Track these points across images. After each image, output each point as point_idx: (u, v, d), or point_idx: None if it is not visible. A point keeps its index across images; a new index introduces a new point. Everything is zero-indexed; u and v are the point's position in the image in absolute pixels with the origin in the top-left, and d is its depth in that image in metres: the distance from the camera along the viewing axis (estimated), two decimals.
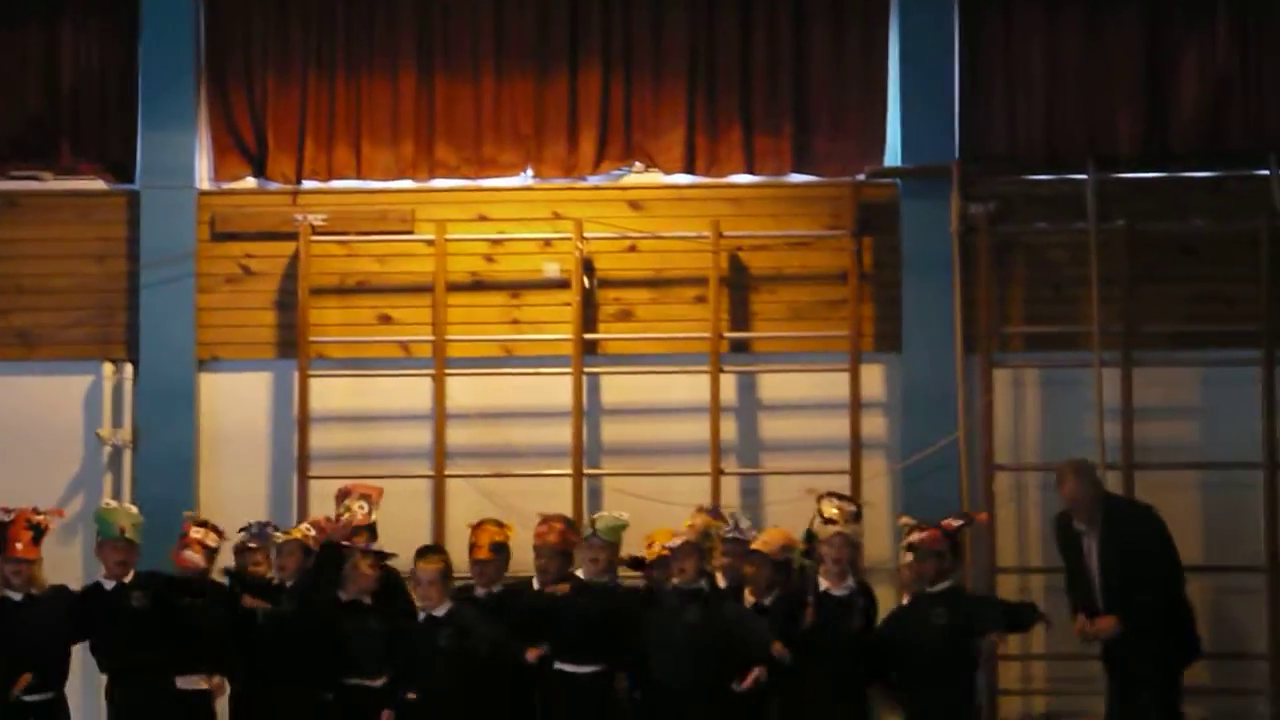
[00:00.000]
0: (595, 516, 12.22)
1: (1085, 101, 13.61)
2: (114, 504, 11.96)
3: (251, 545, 12.26)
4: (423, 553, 11.94)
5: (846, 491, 12.80)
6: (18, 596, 11.54)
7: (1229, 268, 13.37)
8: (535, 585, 12.11)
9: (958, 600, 11.53)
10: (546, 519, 12.26)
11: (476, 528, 12.37)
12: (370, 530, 12.40)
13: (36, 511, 11.82)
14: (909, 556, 11.78)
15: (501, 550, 12.33)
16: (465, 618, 11.69)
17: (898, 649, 11.48)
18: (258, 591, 11.91)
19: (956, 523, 11.80)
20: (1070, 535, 11.83)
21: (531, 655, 11.54)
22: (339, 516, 12.28)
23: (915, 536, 11.60)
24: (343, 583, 11.79)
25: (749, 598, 11.73)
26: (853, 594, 11.48)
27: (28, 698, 11.43)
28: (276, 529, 12.27)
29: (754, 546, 11.84)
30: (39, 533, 11.71)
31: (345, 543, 11.85)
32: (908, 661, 11.44)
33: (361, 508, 12.26)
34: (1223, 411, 13.36)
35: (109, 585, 11.60)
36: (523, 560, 12.42)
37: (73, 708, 11.73)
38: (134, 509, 11.90)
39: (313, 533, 12.07)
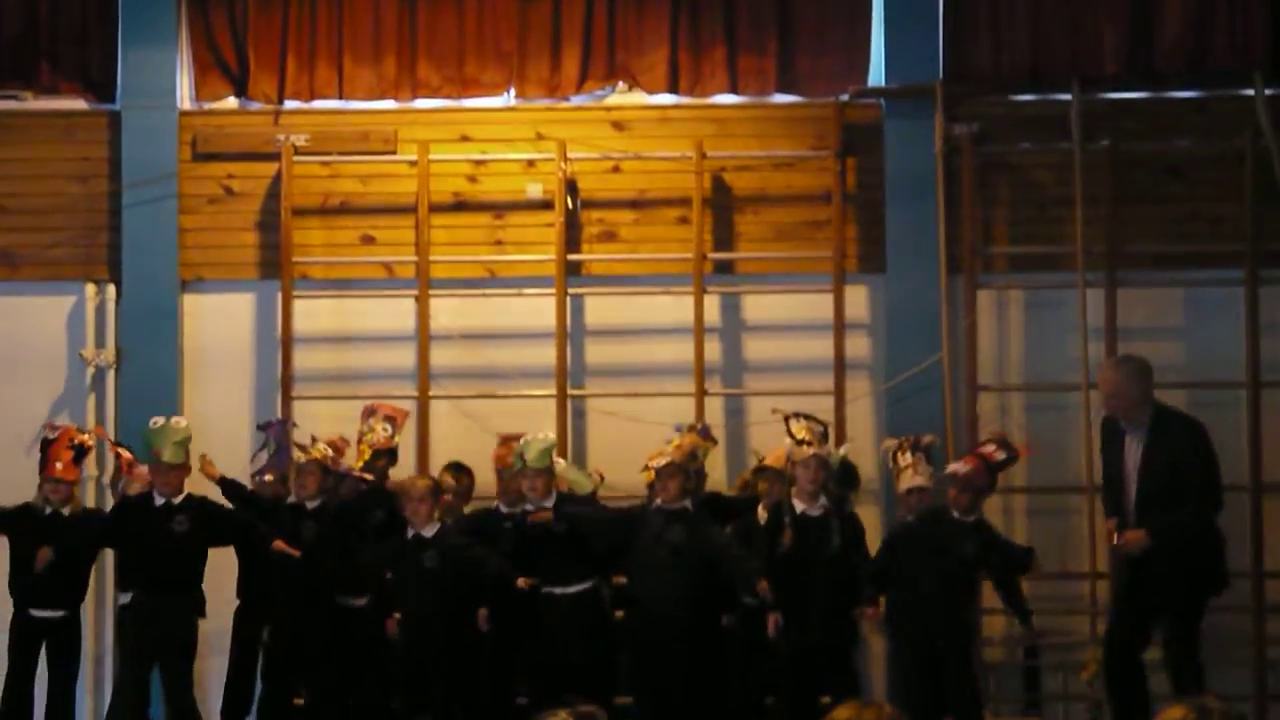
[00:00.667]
0: (521, 443, 12.00)
1: (1069, 21, 13.57)
2: (159, 423, 11.78)
3: (269, 477, 12.30)
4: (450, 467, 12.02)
5: (829, 412, 12.84)
6: (48, 511, 11.59)
7: (1213, 188, 13.37)
8: (501, 508, 12.11)
9: (988, 536, 11.47)
10: (505, 440, 12.27)
11: (503, 442, 12.38)
12: (391, 454, 12.44)
13: (80, 430, 11.91)
14: (910, 480, 11.79)
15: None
16: (453, 540, 11.69)
17: (905, 572, 11.41)
18: (272, 513, 11.92)
19: (1000, 455, 11.66)
20: (1114, 434, 11.09)
21: (523, 583, 11.55)
22: (361, 435, 12.31)
23: (960, 467, 11.47)
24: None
25: (762, 513, 11.71)
26: (827, 513, 11.49)
27: (40, 614, 11.53)
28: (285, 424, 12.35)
29: (765, 463, 11.90)
30: (80, 453, 11.79)
31: (330, 468, 11.90)
32: (916, 586, 11.37)
33: (385, 429, 12.30)
34: (1207, 332, 13.38)
35: (159, 501, 11.61)
36: None
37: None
38: (181, 424, 11.81)
39: (330, 453, 12.04)
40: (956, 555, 11.26)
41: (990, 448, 11.65)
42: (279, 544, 11.53)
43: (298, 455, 12.01)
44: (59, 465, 11.70)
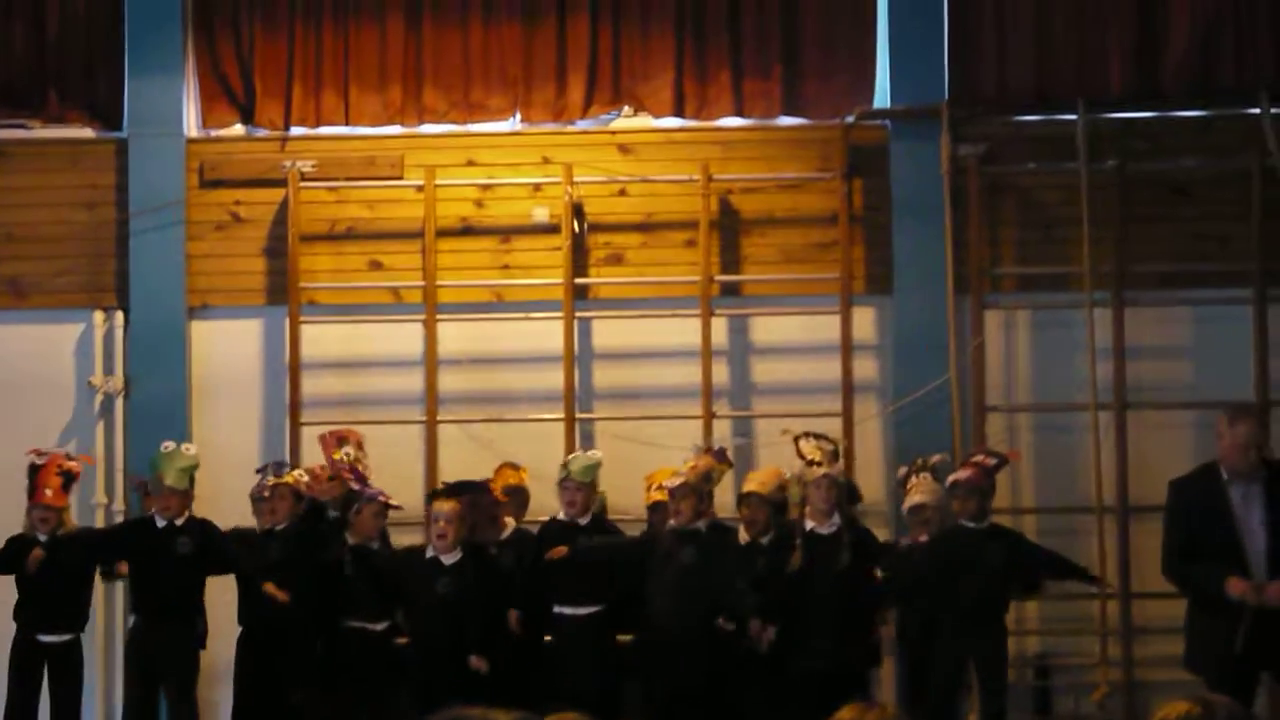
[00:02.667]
0: (569, 458, 12.23)
1: (1075, 41, 13.59)
2: (169, 447, 11.82)
3: (265, 495, 12.29)
4: (445, 492, 11.88)
5: (837, 433, 12.83)
6: (42, 537, 11.59)
7: (1220, 207, 13.37)
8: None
9: (1008, 538, 11.46)
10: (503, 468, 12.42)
11: (496, 472, 12.42)
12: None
13: (68, 457, 11.89)
14: (911, 498, 11.79)
15: (517, 493, 12.39)
16: (469, 578, 11.57)
17: (938, 587, 11.36)
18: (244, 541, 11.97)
19: (991, 461, 11.66)
20: (1209, 492, 10.07)
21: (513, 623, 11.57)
22: (334, 463, 12.25)
23: (960, 474, 11.48)
24: (347, 527, 11.80)
25: (744, 537, 11.73)
26: (839, 530, 11.47)
27: (45, 639, 11.50)
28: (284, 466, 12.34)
29: (748, 488, 11.86)
30: (69, 479, 11.77)
31: (356, 488, 11.87)
32: (945, 602, 11.31)
33: (349, 454, 12.21)
34: (1214, 351, 13.37)
35: (160, 523, 11.64)
36: (543, 504, 12.50)
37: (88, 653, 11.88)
38: (190, 451, 11.85)
39: (306, 479, 12.06)
40: (982, 564, 11.22)
41: (980, 457, 11.67)
42: (269, 587, 11.53)
43: (270, 480, 12.07)
44: (48, 492, 11.66)
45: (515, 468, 12.66)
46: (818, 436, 11.82)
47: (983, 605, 11.23)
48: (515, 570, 11.85)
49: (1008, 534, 11.52)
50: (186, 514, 11.69)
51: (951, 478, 11.56)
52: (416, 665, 11.50)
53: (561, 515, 12.05)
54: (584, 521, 11.96)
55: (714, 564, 11.51)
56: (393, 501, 12.09)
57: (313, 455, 12.68)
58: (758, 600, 11.31)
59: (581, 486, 11.97)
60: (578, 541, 11.79)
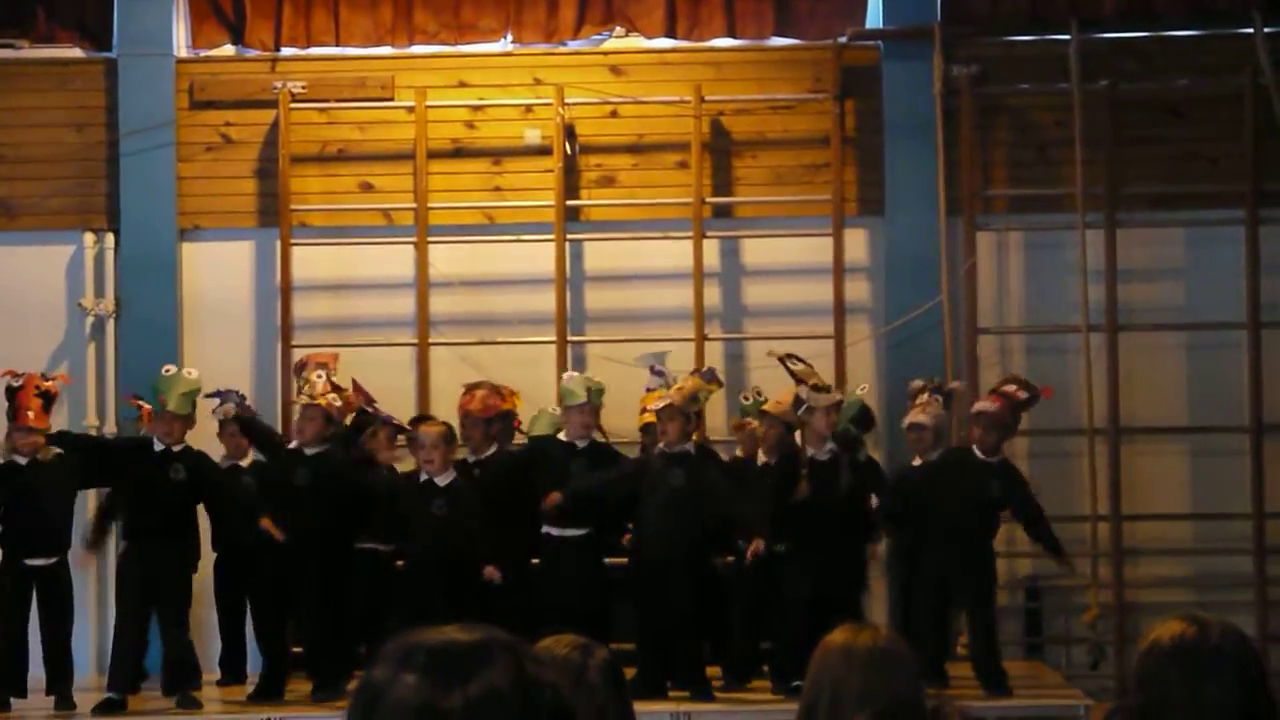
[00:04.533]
0: (594, 383, 11.93)
1: None
2: (171, 370, 11.65)
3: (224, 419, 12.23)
4: (425, 419, 11.85)
5: (829, 356, 12.85)
6: (23, 461, 11.51)
7: (1212, 127, 13.35)
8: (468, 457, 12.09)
9: (1012, 479, 11.52)
10: (468, 387, 12.21)
11: (468, 391, 12.31)
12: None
13: (45, 377, 11.78)
14: (912, 415, 11.78)
15: (505, 418, 12.32)
16: (461, 492, 11.59)
17: (929, 512, 11.47)
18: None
19: (1022, 394, 11.62)
20: None
21: (551, 500, 11.51)
22: (299, 389, 12.11)
23: (986, 405, 11.48)
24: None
25: (761, 458, 11.73)
26: (836, 454, 11.46)
27: (31, 562, 11.46)
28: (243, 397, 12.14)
29: (764, 408, 11.87)
30: (48, 400, 11.65)
31: (368, 409, 11.83)
32: (938, 524, 11.44)
33: (320, 376, 12.11)
34: (1206, 272, 13.37)
35: (159, 447, 11.53)
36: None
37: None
38: (192, 375, 11.63)
39: (339, 402, 11.83)
40: (982, 495, 11.30)
41: (1012, 387, 11.63)
42: (266, 522, 11.46)
43: (301, 398, 11.87)
44: (30, 414, 11.46)
45: (495, 388, 12.43)
46: (797, 358, 11.76)
47: (974, 531, 11.30)
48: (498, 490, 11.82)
49: (1014, 475, 11.56)
50: (184, 442, 11.61)
51: (977, 406, 11.55)
52: (408, 587, 11.51)
53: (563, 435, 11.95)
54: (582, 445, 11.87)
55: (703, 485, 11.48)
56: (403, 424, 12.04)
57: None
58: (761, 514, 11.31)
59: (595, 410, 11.91)
60: (573, 464, 11.73)
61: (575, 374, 12.17)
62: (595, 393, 11.83)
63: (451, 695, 2.88)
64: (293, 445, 11.82)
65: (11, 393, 11.53)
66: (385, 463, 11.90)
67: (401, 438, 11.95)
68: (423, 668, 2.92)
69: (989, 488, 11.36)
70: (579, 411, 11.77)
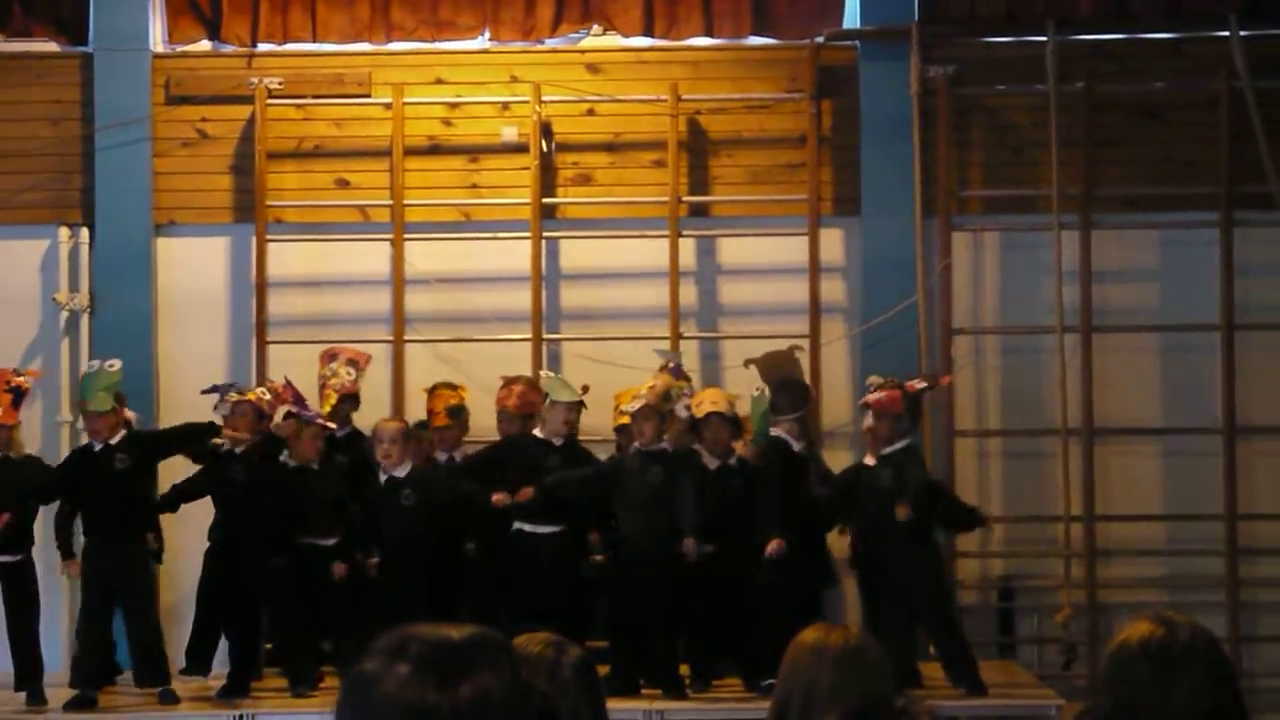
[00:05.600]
0: (576, 384, 12.08)
1: None
2: (94, 366, 11.64)
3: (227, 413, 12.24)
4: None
5: (806, 355, 12.85)
6: None
7: (1188, 130, 13.38)
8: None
9: (908, 466, 11.53)
10: (506, 381, 12.24)
11: (431, 393, 12.36)
12: (354, 398, 12.40)
13: (16, 372, 11.75)
14: (869, 417, 11.82)
15: (458, 413, 12.33)
16: (426, 476, 11.70)
17: (852, 509, 11.64)
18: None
19: (920, 384, 11.76)
20: None
21: (497, 499, 11.53)
22: (324, 379, 12.21)
23: (872, 397, 11.59)
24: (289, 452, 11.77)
25: (706, 461, 11.71)
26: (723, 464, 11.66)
27: None
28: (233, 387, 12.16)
29: (708, 409, 11.81)
30: (19, 395, 11.61)
31: (295, 411, 11.78)
32: (868, 525, 11.58)
33: (349, 373, 12.17)
34: (1181, 274, 13.39)
35: (96, 447, 11.49)
36: (483, 424, 12.47)
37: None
38: (113, 368, 11.56)
39: (268, 397, 11.88)
40: (880, 490, 11.38)
41: (913, 381, 11.71)
42: (227, 431, 11.49)
43: (232, 395, 11.88)
44: None
45: (453, 387, 12.50)
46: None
47: (898, 529, 11.28)
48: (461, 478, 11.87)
49: (909, 461, 11.55)
50: (121, 432, 11.57)
51: (867, 398, 11.61)
52: (387, 580, 11.53)
53: (539, 433, 11.96)
54: (559, 442, 11.88)
55: (681, 483, 11.51)
56: (330, 425, 12.04)
57: (278, 374, 12.59)
58: (697, 519, 11.35)
59: (580, 409, 11.95)
60: (548, 462, 11.75)
61: (552, 373, 12.20)
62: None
63: (443, 693, 2.88)
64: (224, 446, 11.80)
65: None
66: (306, 459, 11.83)
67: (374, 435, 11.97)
68: (416, 661, 2.92)
69: (883, 479, 11.40)
70: (566, 409, 11.80)
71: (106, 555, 11.38)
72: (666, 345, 13.04)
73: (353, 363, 12.32)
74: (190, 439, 11.70)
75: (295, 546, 11.64)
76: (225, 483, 11.66)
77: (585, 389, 12.00)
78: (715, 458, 11.68)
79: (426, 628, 2.98)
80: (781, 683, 4.70)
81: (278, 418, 11.52)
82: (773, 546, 11.21)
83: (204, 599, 11.97)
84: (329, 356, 12.43)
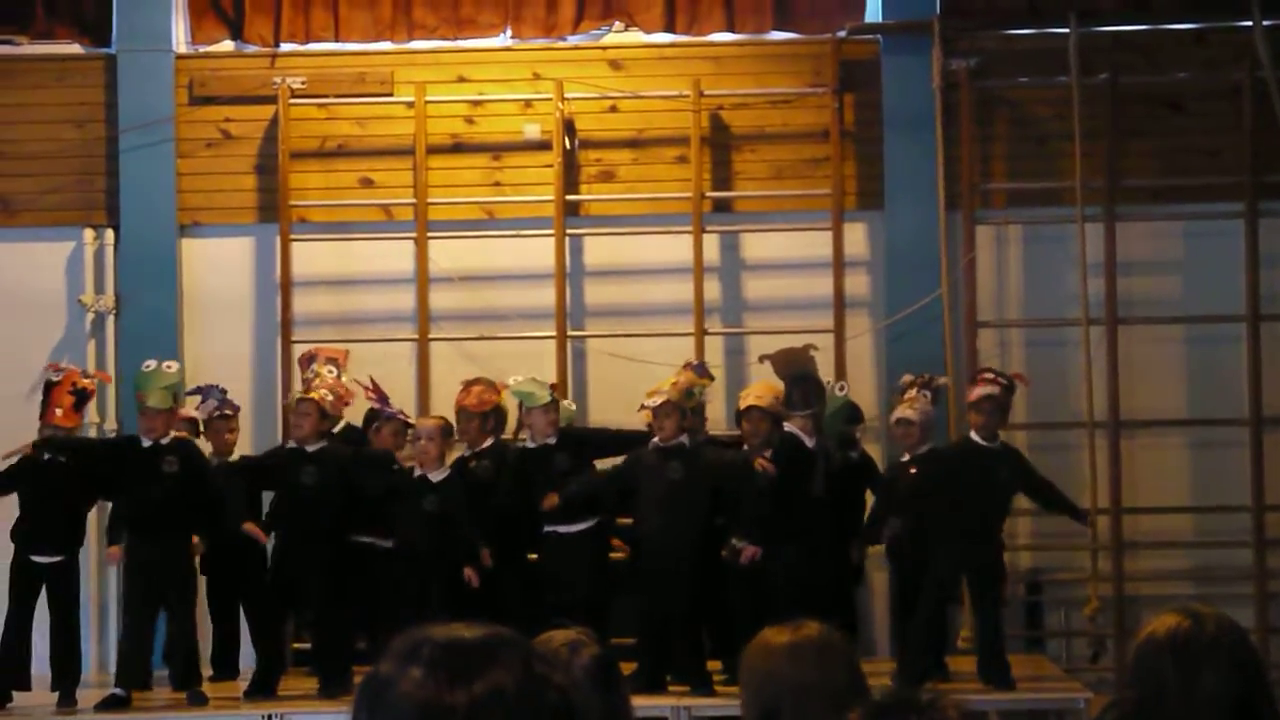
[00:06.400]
0: (548, 384, 12.01)
1: None
2: (151, 366, 11.55)
3: (228, 413, 12.23)
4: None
5: (830, 350, 12.84)
6: (46, 458, 11.49)
7: (1212, 120, 13.35)
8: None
9: (1016, 459, 11.53)
10: (465, 384, 12.19)
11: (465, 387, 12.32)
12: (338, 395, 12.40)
13: (85, 374, 11.79)
14: (900, 411, 11.77)
15: (495, 412, 12.30)
16: (455, 495, 11.58)
17: (937, 501, 11.45)
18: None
19: (1003, 380, 11.60)
20: None
21: (548, 503, 11.48)
22: (306, 381, 12.13)
23: (984, 389, 11.45)
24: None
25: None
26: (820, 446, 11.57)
27: (40, 559, 11.46)
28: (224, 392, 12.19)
29: (749, 403, 11.84)
30: (83, 398, 11.65)
31: (379, 408, 11.85)
32: (948, 515, 11.36)
33: (330, 371, 12.13)
34: (1206, 265, 13.37)
35: (146, 443, 11.46)
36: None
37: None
38: (171, 369, 11.54)
39: (330, 397, 11.80)
40: (992, 482, 11.29)
41: (990, 374, 11.63)
42: (250, 526, 11.41)
43: (295, 393, 11.87)
44: (59, 411, 11.49)
45: (491, 384, 12.43)
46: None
47: (985, 521, 11.29)
48: (495, 482, 11.82)
49: (1016, 455, 11.57)
50: (172, 434, 11.59)
51: (977, 392, 11.47)
52: (405, 581, 11.50)
53: (531, 443, 11.91)
54: (553, 440, 11.85)
55: (701, 479, 11.50)
56: (410, 420, 12.08)
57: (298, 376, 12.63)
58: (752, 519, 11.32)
59: (558, 407, 11.94)
60: (555, 461, 11.72)
61: (521, 377, 12.03)
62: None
63: (456, 692, 2.89)
64: (291, 445, 11.80)
65: (48, 388, 11.56)
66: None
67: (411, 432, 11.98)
68: (429, 662, 2.93)
69: (997, 472, 11.34)
70: (543, 412, 11.77)
71: (152, 554, 11.36)
72: (691, 341, 13.05)
73: (332, 360, 12.19)
74: (216, 496, 11.66)
75: (348, 545, 11.61)
76: (294, 484, 11.55)
77: (554, 385, 12.01)
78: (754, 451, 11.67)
79: (440, 629, 2.99)
80: (758, 690, 4.59)
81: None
82: (747, 554, 11.19)
83: (221, 601, 11.98)
84: (307, 359, 12.29)
